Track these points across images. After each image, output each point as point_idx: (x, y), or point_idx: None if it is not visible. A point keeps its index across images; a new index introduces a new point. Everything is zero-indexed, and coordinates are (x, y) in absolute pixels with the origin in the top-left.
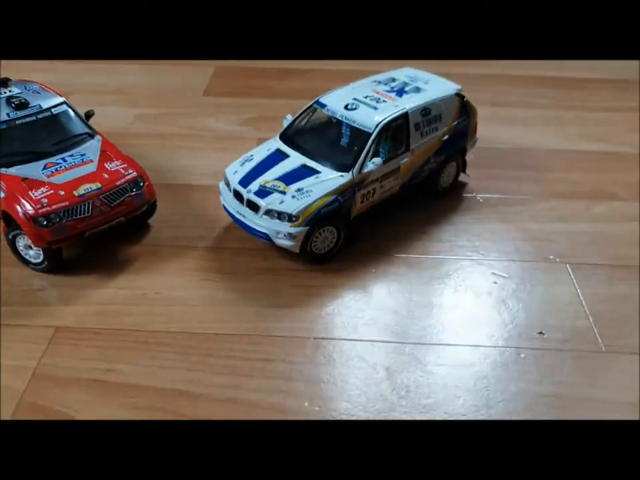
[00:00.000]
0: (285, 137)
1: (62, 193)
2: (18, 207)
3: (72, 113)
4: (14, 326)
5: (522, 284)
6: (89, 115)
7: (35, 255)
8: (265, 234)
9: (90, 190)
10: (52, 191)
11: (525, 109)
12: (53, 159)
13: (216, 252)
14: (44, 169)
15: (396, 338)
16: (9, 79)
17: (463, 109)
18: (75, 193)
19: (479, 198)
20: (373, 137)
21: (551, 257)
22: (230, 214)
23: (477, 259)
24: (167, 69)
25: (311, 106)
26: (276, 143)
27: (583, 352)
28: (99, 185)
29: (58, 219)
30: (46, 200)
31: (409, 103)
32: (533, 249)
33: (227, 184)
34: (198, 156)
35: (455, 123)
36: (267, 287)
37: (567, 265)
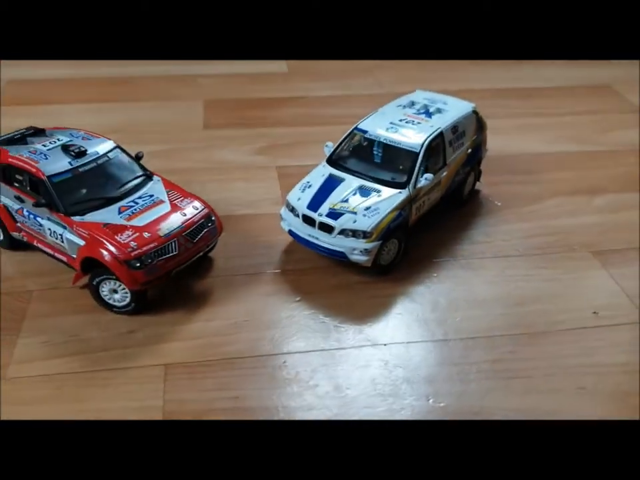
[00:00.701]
0: (332, 162)
1: (147, 234)
2: (107, 253)
3: (126, 157)
4: (123, 369)
5: (560, 273)
6: (139, 156)
7: (120, 298)
8: (341, 252)
9: (173, 229)
10: (137, 234)
11: (499, 119)
12: (124, 203)
13: (286, 275)
14: (119, 213)
15: (498, 331)
16: (43, 129)
17: (478, 123)
18: (160, 234)
19: (497, 203)
20: (420, 155)
21: (575, 247)
22: (298, 237)
23: (516, 255)
24: (156, 106)
25: (352, 132)
26: (326, 169)
27: (633, 324)
28: (180, 224)
29: (149, 260)
30: (135, 243)
31: (441, 122)
32: (557, 242)
33: (291, 210)
34: (227, 188)
35: (475, 137)
36: (346, 301)
37: (590, 253)
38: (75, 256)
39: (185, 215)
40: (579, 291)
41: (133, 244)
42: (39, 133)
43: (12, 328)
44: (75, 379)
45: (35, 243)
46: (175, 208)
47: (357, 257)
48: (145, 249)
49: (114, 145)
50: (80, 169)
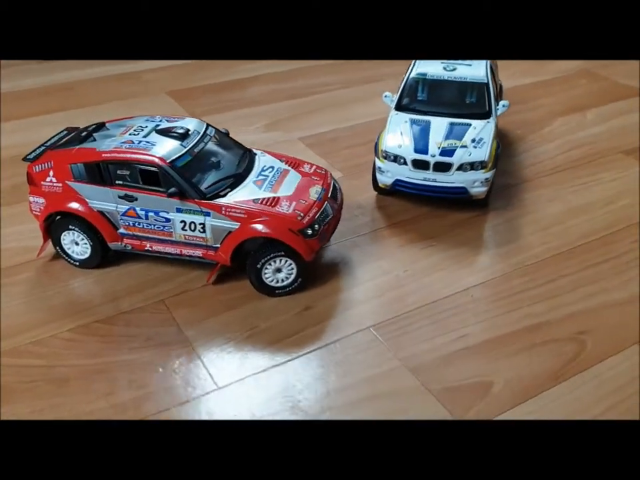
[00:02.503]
0: (402, 109)
1: (303, 201)
2: (277, 226)
3: (220, 133)
4: (333, 343)
5: (616, 173)
6: (227, 133)
7: (284, 276)
8: (462, 187)
9: (319, 192)
10: (294, 202)
11: None
12: (254, 177)
13: (401, 226)
14: (259, 187)
15: (603, 232)
16: (103, 123)
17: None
18: (313, 199)
19: (517, 131)
20: (490, 85)
21: (605, 152)
22: (407, 185)
23: (569, 168)
24: (121, 105)
25: (410, 78)
26: (401, 116)
27: None
28: (321, 186)
29: (317, 226)
30: (299, 211)
31: (482, 63)
32: (589, 151)
33: (394, 160)
34: None
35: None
36: (474, 234)
37: (621, 153)
38: (218, 245)
39: (317, 178)
40: None
41: (298, 212)
42: (101, 127)
43: (181, 341)
44: (291, 368)
45: (146, 248)
46: (303, 174)
47: (477, 189)
48: (311, 215)
49: (204, 122)
50: (195, 149)
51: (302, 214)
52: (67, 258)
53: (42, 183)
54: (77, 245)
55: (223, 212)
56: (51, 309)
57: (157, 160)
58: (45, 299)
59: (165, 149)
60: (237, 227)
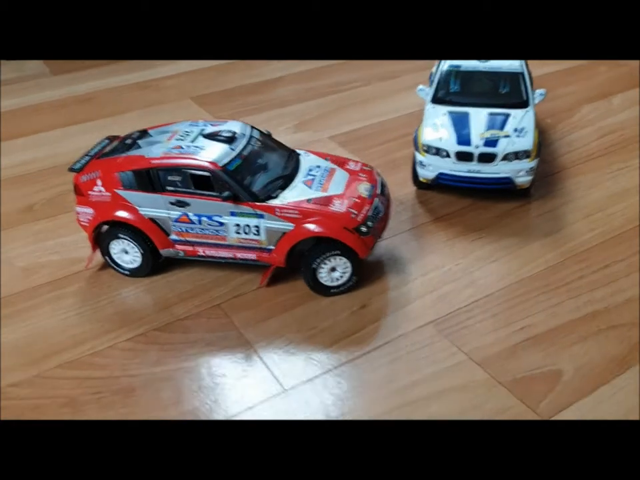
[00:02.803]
0: (438, 101)
1: (354, 199)
2: (332, 225)
3: (263, 135)
4: (395, 340)
5: None
6: (269, 134)
7: (339, 275)
8: (507, 178)
9: (369, 189)
10: (346, 200)
11: None
12: (303, 178)
13: (446, 220)
14: (309, 187)
15: None
16: (145, 130)
17: None
18: (363, 196)
19: (547, 120)
20: (525, 74)
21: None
22: (450, 178)
23: (605, 154)
24: (145, 113)
25: (443, 71)
26: (438, 108)
27: None
28: (369, 183)
29: (370, 223)
30: (352, 209)
31: None
32: (620, 137)
33: (436, 153)
34: None
35: None
36: (522, 224)
37: None
38: (272, 247)
39: (364, 175)
40: None
41: (352, 210)
42: (144, 134)
43: (242, 345)
44: (356, 367)
45: (198, 254)
46: (350, 172)
47: (522, 179)
48: (364, 212)
49: (248, 124)
50: (244, 153)
51: (355, 212)
52: (116, 267)
53: (89, 192)
54: (126, 253)
55: (277, 213)
56: (106, 319)
57: (209, 164)
58: (98, 310)
59: (215, 153)
60: (291, 227)
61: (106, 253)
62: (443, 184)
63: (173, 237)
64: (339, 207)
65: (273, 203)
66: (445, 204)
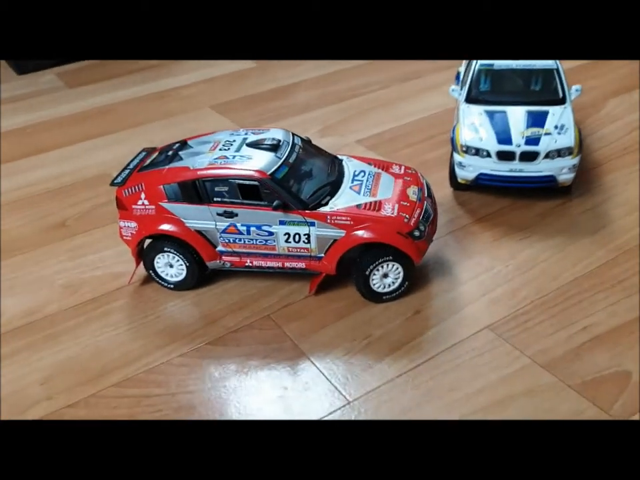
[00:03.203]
0: (472, 101)
1: (405, 203)
2: (385, 230)
3: (299, 141)
4: (450, 348)
5: None
6: (309, 140)
7: (391, 281)
8: (549, 176)
9: (417, 193)
10: (396, 205)
11: None
12: (349, 183)
13: (488, 220)
14: (357, 193)
15: None
16: (185, 141)
17: None
18: (413, 200)
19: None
20: (561, 70)
21: None
22: (491, 178)
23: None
24: (168, 124)
25: (476, 70)
26: (474, 108)
27: None
28: (416, 186)
29: (422, 227)
30: (404, 213)
31: None
32: None
33: (476, 153)
34: None
35: None
36: (568, 221)
37: None
38: (322, 255)
39: (409, 178)
40: None
41: (404, 215)
42: (184, 145)
43: (298, 356)
44: (419, 375)
45: (246, 265)
46: (395, 175)
47: (565, 177)
48: (416, 216)
49: (289, 131)
50: (289, 160)
51: (407, 216)
52: (160, 281)
53: (133, 206)
54: (171, 267)
55: (328, 220)
56: (156, 334)
57: (257, 174)
58: (147, 325)
59: (261, 161)
60: (342, 234)
61: (150, 266)
62: (481, 184)
63: (220, 248)
64: (389, 211)
65: (323, 210)
66: (485, 204)
